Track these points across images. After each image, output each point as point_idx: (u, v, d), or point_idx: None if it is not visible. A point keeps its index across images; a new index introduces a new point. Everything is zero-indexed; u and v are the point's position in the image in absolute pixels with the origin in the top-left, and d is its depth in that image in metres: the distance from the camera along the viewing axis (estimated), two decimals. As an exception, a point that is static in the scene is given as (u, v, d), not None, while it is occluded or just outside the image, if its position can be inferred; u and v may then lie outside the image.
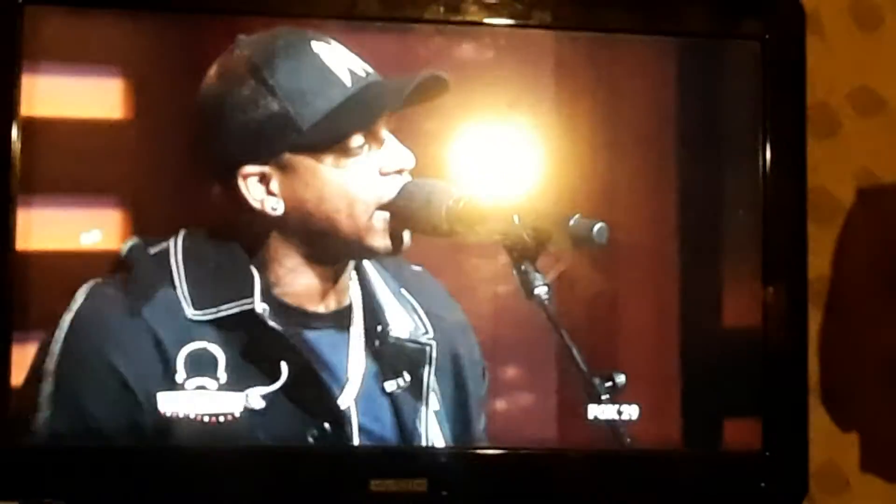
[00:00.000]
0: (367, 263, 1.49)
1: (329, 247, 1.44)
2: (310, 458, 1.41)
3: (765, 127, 1.49)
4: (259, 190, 1.42)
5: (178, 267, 1.42)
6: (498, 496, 1.44)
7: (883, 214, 1.68)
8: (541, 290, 1.42)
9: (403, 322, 1.48)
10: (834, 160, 1.66)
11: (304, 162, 1.42)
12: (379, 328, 1.47)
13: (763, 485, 1.46)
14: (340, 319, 1.46)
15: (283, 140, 1.41)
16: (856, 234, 1.67)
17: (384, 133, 1.44)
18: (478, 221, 1.44)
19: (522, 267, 1.43)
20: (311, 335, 1.44)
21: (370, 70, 1.44)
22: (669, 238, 1.51)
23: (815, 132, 1.59)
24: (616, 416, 1.43)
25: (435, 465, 1.42)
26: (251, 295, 1.41)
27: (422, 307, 1.49)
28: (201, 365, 1.38)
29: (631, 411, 1.44)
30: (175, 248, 1.43)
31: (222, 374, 1.38)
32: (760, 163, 1.49)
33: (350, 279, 1.48)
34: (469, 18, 1.47)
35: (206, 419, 1.38)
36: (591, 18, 1.48)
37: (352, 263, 1.47)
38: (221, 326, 1.40)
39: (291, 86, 1.41)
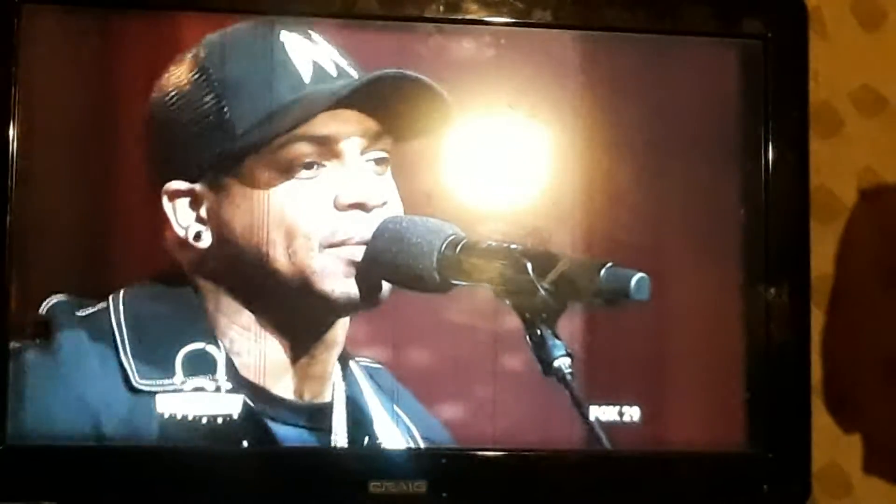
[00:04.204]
0: (353, 365, 1.25)
1: (271, 295, 1.18)
2: (308, 459, 1.40)
3: (767, 127, 1.48)
4: (188, 215, 1.17)
5: (120, 330, 1.19)
6: (498, 498, 1.44)
7: (886, 213, 1.67)
8: (562, 363, 1.15)
9: (396, 440, 1.26)
10: (836, 159, 1.65)
11: (237, 177, 1.17)
12: (366, 441, 1.26)
13: (765, 487, 1.46)
14: (315, 419, 1.25)
15: (214, 147, 1.17)
16: (859, 234, 1.66)
17: (349, 154, 1.19)
18: (480, 271, 1.17)
19: (538, 332, 1.15)
20: (279, 430, 1.22)
21: (350, 70, 1.23)
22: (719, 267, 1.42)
23: (818, 132, 1.58)
24: (617, 418, 1.42)
25: (435, 466, 1.41)
26: (213, 371, 1.20)
27: (418, 432, 1.29)
28: (199, 366, 1.29)
29: (632, 413, 1.44)
30: (115, 307, 1.20)
31: (221, 376, 1.35)
32: (763, 163, 1.48)
33: (330, 369, 1.25)
34: (469, 17, 1.46)
35: (203, 420, 1.36)
36: (592, 17, 1.48)
37: (332, 349, 1.22)
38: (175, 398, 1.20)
39: (235, 80, 1.17)
